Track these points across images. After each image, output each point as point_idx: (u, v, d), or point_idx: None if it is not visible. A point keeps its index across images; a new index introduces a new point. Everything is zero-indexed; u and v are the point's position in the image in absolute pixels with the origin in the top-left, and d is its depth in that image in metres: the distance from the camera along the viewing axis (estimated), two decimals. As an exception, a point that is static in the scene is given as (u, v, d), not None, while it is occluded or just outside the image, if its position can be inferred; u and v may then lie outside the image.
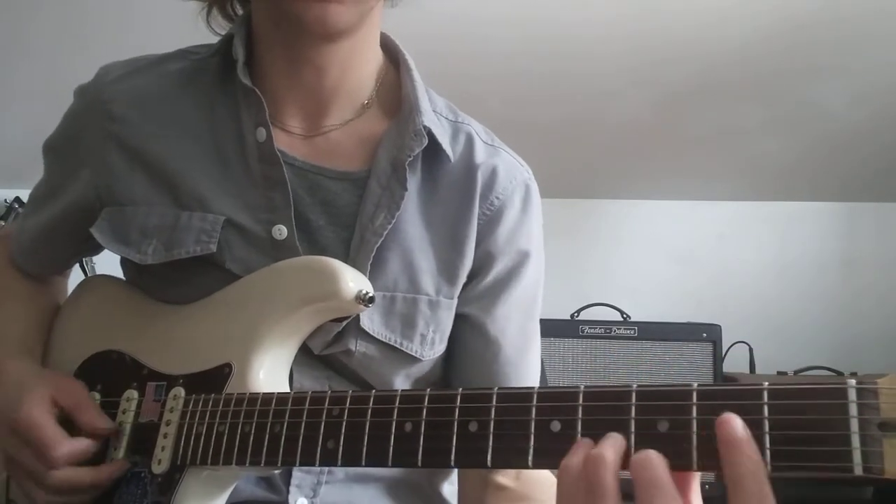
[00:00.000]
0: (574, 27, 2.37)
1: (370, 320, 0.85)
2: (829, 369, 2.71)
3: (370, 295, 0.79)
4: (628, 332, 2.53)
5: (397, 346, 0.86)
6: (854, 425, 0.47)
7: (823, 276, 3.03)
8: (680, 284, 3.02)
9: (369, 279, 0.84)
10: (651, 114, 2.71)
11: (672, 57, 2.47)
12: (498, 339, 0.92)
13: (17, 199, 2.87)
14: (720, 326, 2.55)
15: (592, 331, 2.53)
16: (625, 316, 2.70)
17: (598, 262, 3.03)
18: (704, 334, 2.53)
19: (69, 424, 0.82)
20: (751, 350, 2.72)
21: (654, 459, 0.52)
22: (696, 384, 0.53)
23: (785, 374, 2.67)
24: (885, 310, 2.96)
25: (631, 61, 2.49)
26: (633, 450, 0.53)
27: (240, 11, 0.96)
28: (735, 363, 2.66)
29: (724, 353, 2.58)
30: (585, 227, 3.07)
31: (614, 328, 2.54)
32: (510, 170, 0.95)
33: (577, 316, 2.68)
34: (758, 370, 2.71)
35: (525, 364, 0.95)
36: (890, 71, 2.51)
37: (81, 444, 0.80)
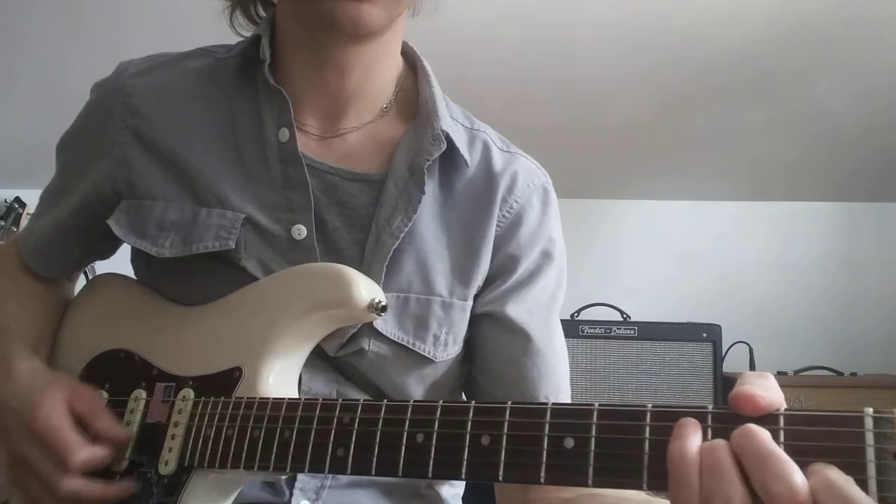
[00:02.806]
0: (575, 29, 2.37)
1: (383, 321, 0.85)
2: (829, 369, 2.71)
3: (383, 304, 0.79)
4: (628, 332, 2.52)
5: (410, 346, 0.87)
6: (871, 454, 0.47)
7: (824, 276, 3.03)
8: (680, 284, 3.02)
9: (384, 280, 0.84)
10: (652, 114, 2.71)
11: (673, 58, 2.47)
12: (524, 328, 0.90)
13: (17, 199, 2.86)
14: (720, 326, 2.54)
15: (592, 331, 2.52)
16: (625, 316, 2.69)
17: (598, 262, 3.02)
18: (704, 334, 2.52)
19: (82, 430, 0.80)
20: (751, 350, 2.71)
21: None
22: (711, 406, 0.52)
23: (785, 374, 2.67)
24: (885, 310, 2.97)
25: (632, 62, 2.49)
26: (645, 470, 0.53)
27: (262, 14, 0.97)
28: (735, 363, 2.65)
29: (724, 353, 2.56)
30: (585, 227, 3.06)
31: (614, 328, 2.53)
32: (528, 174, 0.96)
33: (577, 316, 2.68)
34: (758, 370, 2.70)
35: (554, 353, 0.92)
36: (890, 71, 2.51)
37: (100, 452, 0.79)
